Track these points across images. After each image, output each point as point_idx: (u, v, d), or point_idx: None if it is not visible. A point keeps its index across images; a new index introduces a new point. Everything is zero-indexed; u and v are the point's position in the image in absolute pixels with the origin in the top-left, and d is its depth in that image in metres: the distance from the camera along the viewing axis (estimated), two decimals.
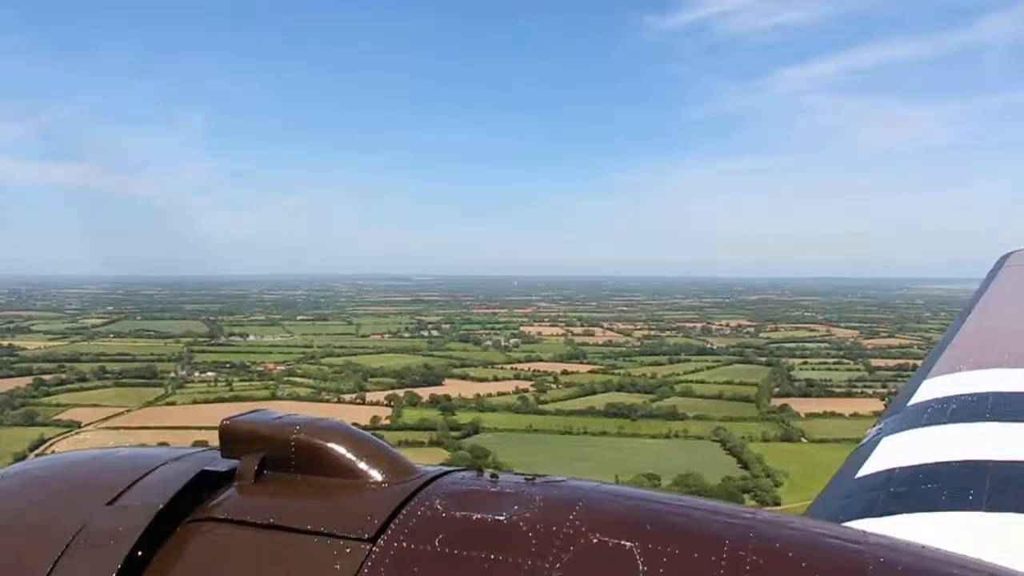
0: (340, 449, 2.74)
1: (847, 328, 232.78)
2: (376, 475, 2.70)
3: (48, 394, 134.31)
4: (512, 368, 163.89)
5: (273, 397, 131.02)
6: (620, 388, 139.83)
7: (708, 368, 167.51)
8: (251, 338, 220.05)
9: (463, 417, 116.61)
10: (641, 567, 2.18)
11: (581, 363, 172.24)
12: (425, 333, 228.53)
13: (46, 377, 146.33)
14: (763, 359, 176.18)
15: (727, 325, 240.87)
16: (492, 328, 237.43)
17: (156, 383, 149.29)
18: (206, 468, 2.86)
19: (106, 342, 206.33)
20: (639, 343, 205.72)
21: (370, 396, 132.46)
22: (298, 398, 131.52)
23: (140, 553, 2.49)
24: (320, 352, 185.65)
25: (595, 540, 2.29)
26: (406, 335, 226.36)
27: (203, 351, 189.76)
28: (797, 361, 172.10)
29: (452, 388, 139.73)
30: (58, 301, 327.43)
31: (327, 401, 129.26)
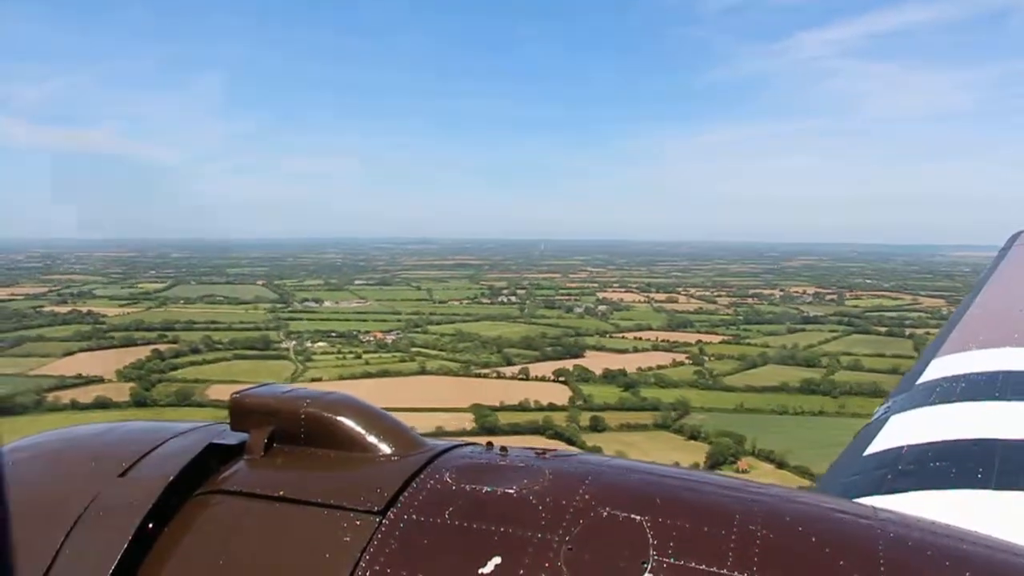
0: (349, 422, 2.72)
1: (930, 297, 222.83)
2: (385, 448, 2.68)
3: (174, 368, 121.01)
4: (635, 338, 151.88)
5: (423, 372, 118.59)
6: (779, 361, 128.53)
7: (834, 338, 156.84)
8: (326, 303, 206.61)
9: (646, 394, 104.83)
10: (651, 540, 2.17)
11: (694, 332, 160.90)
12: (504, 299, 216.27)
13: (161, 348, 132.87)
14: (883, 329, 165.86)
15: (805, 292, 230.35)
16: (569, 293, 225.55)
17: (274, 354, 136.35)
18: (215, 441, 2.84)
19: (182, 308, 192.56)
20: (733, 311, 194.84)
21: (528, 370, 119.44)
22: (451, 373, 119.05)
23: (151, 525, 2.50)
24: (421, 319, 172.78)
25: (604, 514, 2.27)
26: (485, 301, 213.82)
27: (291, 319, 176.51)
28: (919, 331, 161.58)
29: (596, 361, 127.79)
30: (92, 265, 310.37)
31: (485, 376, 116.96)
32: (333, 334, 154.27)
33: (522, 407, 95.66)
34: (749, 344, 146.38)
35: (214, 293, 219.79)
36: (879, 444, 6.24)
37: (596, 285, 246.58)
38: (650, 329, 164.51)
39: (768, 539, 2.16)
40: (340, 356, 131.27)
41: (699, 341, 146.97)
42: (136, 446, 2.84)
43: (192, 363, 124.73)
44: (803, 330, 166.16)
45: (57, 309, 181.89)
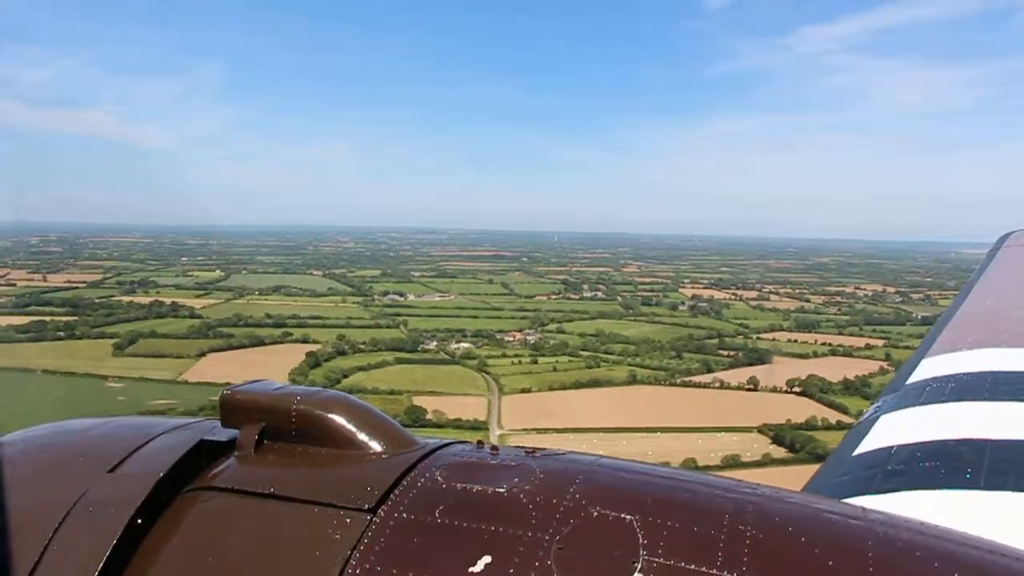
0: (340, 420, 2.65)
1: None
2: (376, 446, 2.62)
3: (344, 374, 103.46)
4: (788, 340, 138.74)
5: (634, 380, 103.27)
6: None
7: None
8: (411, 297, 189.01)
9: None
10: (641, 540, 2.14)
11: (828, 333, 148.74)
12: (590, 295, 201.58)
13: (313, 348, 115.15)
14: None
15: (885, 290, 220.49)
16: (651, 290, 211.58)
17: (433, 358, 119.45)
18: (206, 438, 2.78)
19: (266, 300, 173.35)
20: (837, 309, 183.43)
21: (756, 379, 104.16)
22: (660, 382, 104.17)
23: (140, 521, 2.45)
24: (541, 317, 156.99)
25: (595, 513, 2.23)
26: (572, 296, 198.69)
27: (396, 315, 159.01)
28: None
29: (786, 368, 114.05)
30: (111, 251, 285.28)
31: (705, 386, 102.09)
32: (467, 333, 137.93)
33: (810, 425, 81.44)
34: (912, 348, 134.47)
35: (283, 284, 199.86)
36: (869, 444, 6.05)
37: (668, 281, 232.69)
38: (781, 330, 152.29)
39: (758, 539, 2.13)
40: (515, 361, 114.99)
41: (866, 345, 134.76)
42: (126, 442, 2.76)
43: (359, 367, 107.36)
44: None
45: (137, 299, 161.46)
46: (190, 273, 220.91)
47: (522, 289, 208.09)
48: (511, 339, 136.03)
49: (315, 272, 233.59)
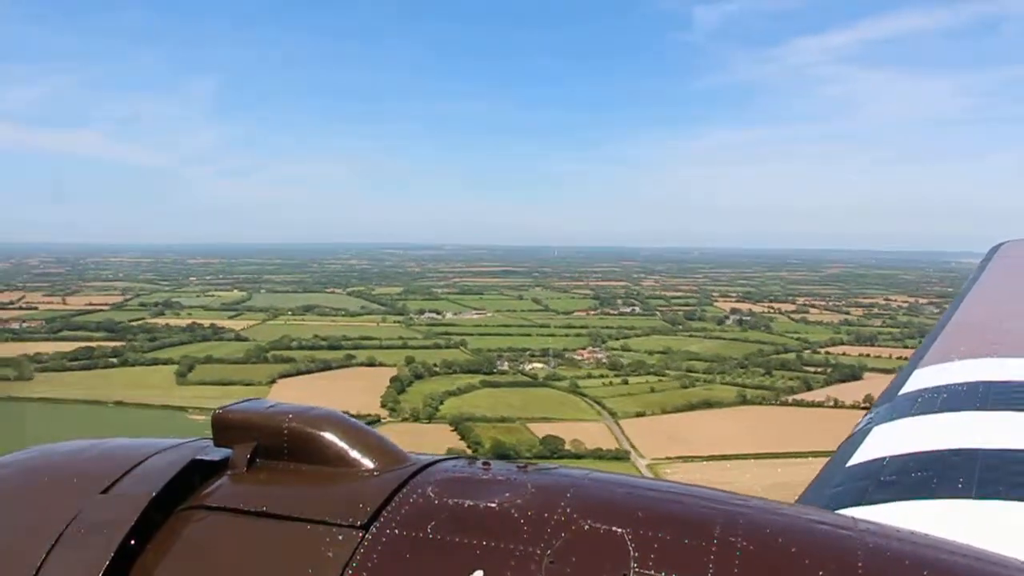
0: (332, 437, 2.63)
1: None
2: (368, 463, 2.60)
3: (441, 400, 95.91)
4: (859, 354, 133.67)
5: (744, 401, 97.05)
6: None
7: None
8: (448, 315, 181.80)
9: None
10: (632, 553, 2.13)
11: (887, 347, 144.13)
12: (627, 309, 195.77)
13: (384, 371, 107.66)
14: None
15: (918, 302, 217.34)
16: (684, 304, 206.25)
17: (514, 380, 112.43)
18: (199, 457, 2.75)
19: (304, 321, 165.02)
20: (882, 322, 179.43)
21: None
22: (766, 402, 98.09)
23: (133, 542, 2.42)
24: (598, 333, 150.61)
25: (586, 526, 2.22)
26: (612, 312, 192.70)
27: (446, 334, 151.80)
28: None
29: (882, 383, 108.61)
30: (117, 271, 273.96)
31: (819, 405, 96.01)
32: (534, 352, 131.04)
33: None
34: None
35: (313, 303, 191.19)
36: (861, 455, 6.04)
37: (696, 295, 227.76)
38: (843, 344, 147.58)
39: (748, 551, 2.12)
40: (606, 383, 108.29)
41: None
42: (119, 462, 2.73)
43: (449, 392, 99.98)
44: None
45: (171, 322, 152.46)
46: (211, 293, 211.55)
47: (556, 305, 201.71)
48: (579, 357, 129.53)
49: (336, 290, 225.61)
